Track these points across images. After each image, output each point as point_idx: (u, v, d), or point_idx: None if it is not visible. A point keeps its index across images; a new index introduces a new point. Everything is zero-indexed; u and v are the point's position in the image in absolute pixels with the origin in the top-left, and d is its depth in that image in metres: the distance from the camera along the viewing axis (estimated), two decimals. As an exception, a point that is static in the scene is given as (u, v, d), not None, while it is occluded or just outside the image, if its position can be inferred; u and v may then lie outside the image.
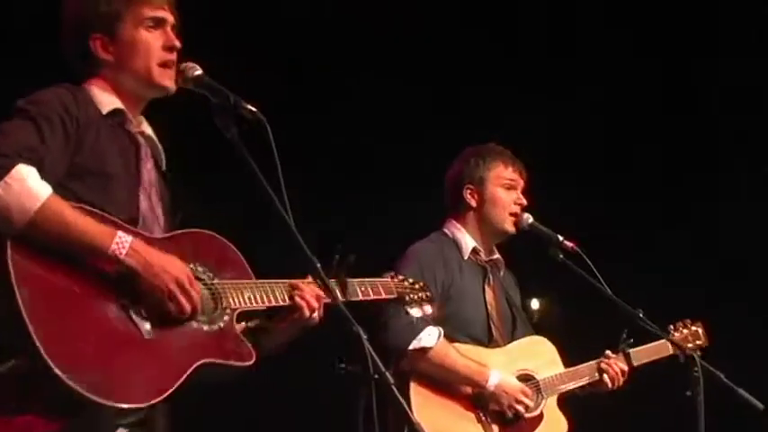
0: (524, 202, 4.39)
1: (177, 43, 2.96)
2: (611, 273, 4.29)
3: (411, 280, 3.40)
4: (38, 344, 2.44)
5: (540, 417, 4.19)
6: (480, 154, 4.42)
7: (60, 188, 2.66)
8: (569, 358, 4.44)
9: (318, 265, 2.79)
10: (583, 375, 4.34)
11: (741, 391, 4.10)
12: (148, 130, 3.03)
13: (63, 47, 2.98)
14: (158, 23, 2.95)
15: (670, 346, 4.46)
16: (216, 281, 2.83)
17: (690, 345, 4.50)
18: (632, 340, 4.43)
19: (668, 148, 7.26)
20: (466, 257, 4.35)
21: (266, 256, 2.97)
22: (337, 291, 2.92)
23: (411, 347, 3.97)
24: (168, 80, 2.95)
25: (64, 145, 2.72)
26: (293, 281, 3.00)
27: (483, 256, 4.41)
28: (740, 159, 7.10)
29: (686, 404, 4.00)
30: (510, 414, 4.08)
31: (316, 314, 2.98)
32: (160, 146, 3.05)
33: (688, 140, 7.18)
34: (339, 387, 3.31)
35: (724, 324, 6.58)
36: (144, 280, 2.65)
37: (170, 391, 2.62)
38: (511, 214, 4.35)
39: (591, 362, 4.37)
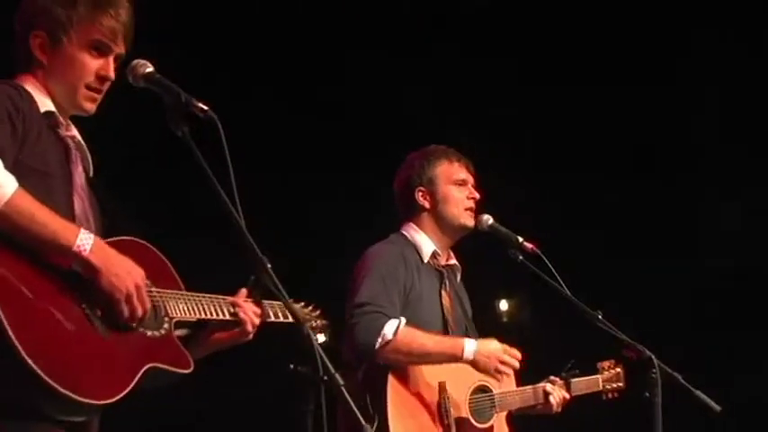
0: (477, 195, 4.36)
1: (111, 76, 2.91)
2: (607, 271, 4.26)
3: (311, 307, 3.42)
4: (8, 330, 2.42)
5: (491, 429, 4.19)
6: (425, 156, 4.40)
7: None
8: (538, 361, 4.46)
9: (269, 266, 2.77)
10: (534, 396, 4.38)
11: (698, 392, 4.11)
12: (78, 135, 2.99)
13: (14, 32, 2.94)
14: (103, 52, 2.90)
15: (600, 383, 4.69)
16: (154, 289, 2.83)
17: (613, 385, 4.71)
18: (578, 371, 4.52)
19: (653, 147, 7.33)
20: (425, 261, 4.31)
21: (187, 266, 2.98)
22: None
23: (378, 345, 3.94)
24: (90, 103, 2.92)
25: (12, 139, 2.69)
26: (232, 298, 3.05)
27: (441, 260, 4.38)
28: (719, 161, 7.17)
29: (644, 406, 4.01)
30: (499, 378, 4.11)
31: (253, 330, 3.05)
32: (88, 152, 3.01)
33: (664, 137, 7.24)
34: (288, 388, 3.30)
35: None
36: (104, 278, 2.65)
37: (124, 392, 2.63)
38: (466, 209, 4.33)
39: (537, 384, 4.40)
